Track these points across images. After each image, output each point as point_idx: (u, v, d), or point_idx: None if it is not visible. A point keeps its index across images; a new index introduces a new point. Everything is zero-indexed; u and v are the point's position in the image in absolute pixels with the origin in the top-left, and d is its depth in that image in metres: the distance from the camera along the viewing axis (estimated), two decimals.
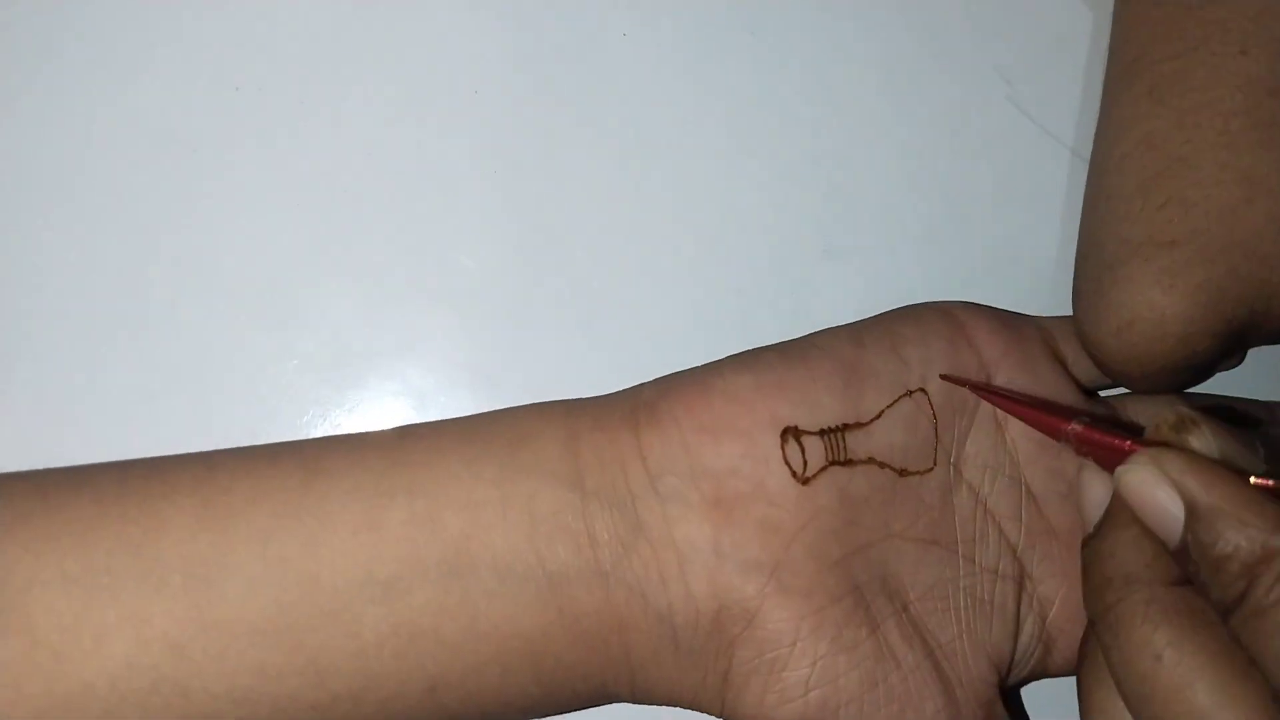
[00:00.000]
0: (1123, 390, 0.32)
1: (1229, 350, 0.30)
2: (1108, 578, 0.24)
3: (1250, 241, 0.28)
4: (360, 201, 0.31)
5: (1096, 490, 0.26)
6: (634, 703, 0.28)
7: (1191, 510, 0.23)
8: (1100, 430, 0.26)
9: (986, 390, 0.29)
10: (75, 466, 0.27)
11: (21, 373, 0.30)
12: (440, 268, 0.31)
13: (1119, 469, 0.24)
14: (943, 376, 0.28)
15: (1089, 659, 0.26)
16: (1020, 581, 0.29)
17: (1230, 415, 0.29)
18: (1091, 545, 0.25)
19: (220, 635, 0.25)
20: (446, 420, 0.28)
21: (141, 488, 0.26)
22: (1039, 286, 0.33)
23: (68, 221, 0.30)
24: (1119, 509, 0.25)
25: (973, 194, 0.33)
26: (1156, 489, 0.23)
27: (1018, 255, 0.33)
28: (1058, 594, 0.29)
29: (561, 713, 0.28)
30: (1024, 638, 0.29)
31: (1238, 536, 0.22)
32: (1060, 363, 0.30)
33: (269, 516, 0.25)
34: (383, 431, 0.28)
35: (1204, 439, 0.24)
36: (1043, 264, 0.33)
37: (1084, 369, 0.31)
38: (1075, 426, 0.26)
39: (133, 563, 0.25)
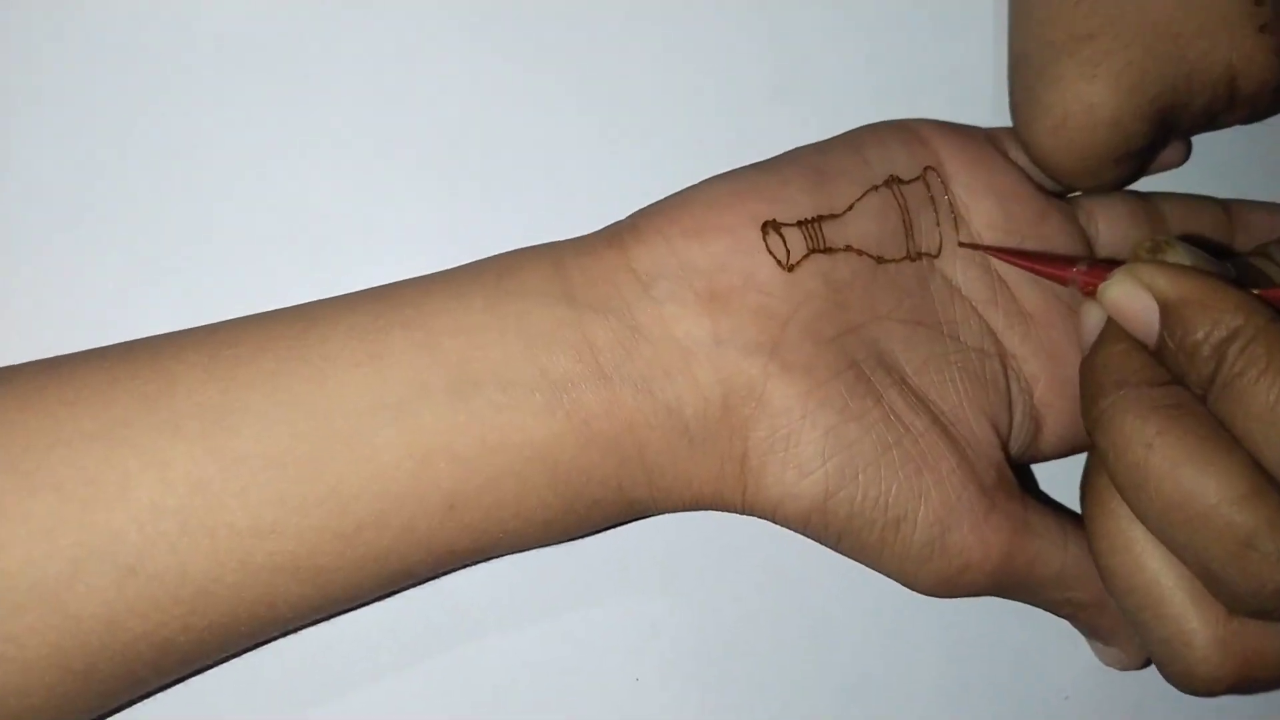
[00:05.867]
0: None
1: (1161, 135, 0.31)
2: (1100, 385, 0.26)
3: (1162, 23, 0.30)
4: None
5: (1093, 318, 0.28)
6: (656, 511, 0.28)
7: (1164, 307, 0.26)
8: (1099, 266, 0.28)
9: (1000, 251, 0.30)
10: (76, 352, 0.27)
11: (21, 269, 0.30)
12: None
13: (1101, 286, 0.27)
14: (961, 244, 0.30)
15: (1089, 490, 0.28)
16: (1004, 360, 0.30)
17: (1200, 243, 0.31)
18: (1085, 362, 0.27)
19: (240, 471, 0.25)
20: (429, 274, 0.29)
21: (149, 352, 0.26)
22: (980, 112, 0.35)
23: (74, 123, 0.31)
24: (1109, 329, 0.27)
25: (906, 26, 0.35)
26: (1133, 293, 0.26)
27: (956, 81, 0.35)
28: (1041, 372, 0.31)
29: (585, 531, 0.28)
30: (1017, 415, 0.30)
31: (1204, 320, 0.25)
32: (1012, 162, 0.32)
33: (274, 361, 0.26)
34: (371, 288, 0.28)
35: (1176, 253, 0.27)
36: (982, 86, 0.35)
37: (1033, 176, 0.32)
38: (1080, 269, 0.29)
39: (148, 415, 0.25)
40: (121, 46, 0.31)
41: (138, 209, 0.31)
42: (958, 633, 0.35)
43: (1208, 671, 0.26)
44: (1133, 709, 0.37)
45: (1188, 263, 0.27)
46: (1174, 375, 0.26)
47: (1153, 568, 0.26)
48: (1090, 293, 0.28)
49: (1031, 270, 0.30)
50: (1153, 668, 0.36)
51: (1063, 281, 0.29)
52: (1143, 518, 0.25)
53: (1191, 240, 0.29)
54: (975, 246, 0.30)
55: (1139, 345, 0.27)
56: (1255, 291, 0.26)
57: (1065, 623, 0.33)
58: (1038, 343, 0.31)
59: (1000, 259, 0.31)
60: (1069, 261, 0.29)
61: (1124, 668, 0.32)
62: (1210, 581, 0.25)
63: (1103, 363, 0.27)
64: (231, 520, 0.25)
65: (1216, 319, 0.25)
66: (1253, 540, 0.24)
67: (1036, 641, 0.35)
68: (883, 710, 0.34)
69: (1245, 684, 0.26)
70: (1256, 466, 0.24)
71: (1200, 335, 0.25)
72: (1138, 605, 0.27)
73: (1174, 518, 0.25)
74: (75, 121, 0.30)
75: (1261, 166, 0.36)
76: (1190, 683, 0.26)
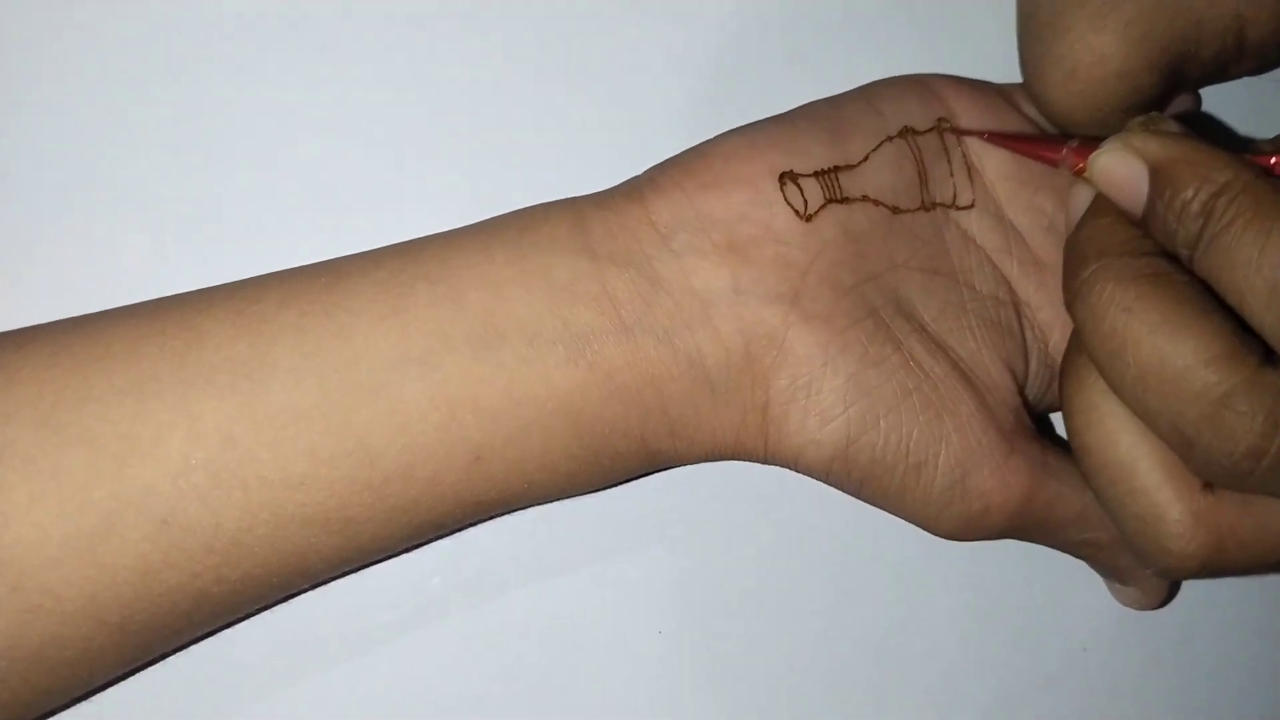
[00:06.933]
0: None
1: (1170, 85, 0.32)
2: (1083, 256, 0.26)
3: None
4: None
5: (1081, 196, 0.28)
6: (679, 462, 0.29)
7: (1153, 169, 0.26)
8: (1089, 144, 0.28)
9: (993, 135, 0.31)
10: (103, 310, 0.28)
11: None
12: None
13: (1092, 155, 0.27)
14: (951, 130, 0.31)
15: (1067, 369, 0.28)
16: (1019, 308, 0.31)
17: None
18: (1069, 238, 0.28)
19: (270, 424, 0.25)
20: (452, 229, 0.29)
21: (175, 309, 0.27)
22: (992, 70, 0.35)
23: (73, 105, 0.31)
24: (1096, 203, 0.27)
25: None
26: (1124, 158, 0.26)
27: (967, 39, 0.35)
28: (1056, 320, 0.31)
29: (609, 482, 0.29)
30: (1033, 362, 0.31)
31: (1194, 177, 0.25)
32: (1024, 115, 0.32)
33: (299, 315, 0.26)
34: (394, 244, 0.29)
35: (1169, 125, 0.27)
36: (992, 45, 0.35)
37: (1044, 129, 0.33)
38: (1071, 145, 0.29)
39: (178, 370, 0.25)
40: (156, 21, 0.31)
41: (163, 175, 0.31)
42: (978, 587, 0.35)
43: (1180, 547, 0.26)
44: (1149, 662, 0.37)
45: (1178, 131, 0.27)
46: (1160, 244, 0.26)
47: (1127, 441, 0.26)
48: (1080, 171, 0.28)
49: (1022, 152, 0.30)
50: (1171, 621, 0.36)
51: (1053, 162, 0.29)
52: (1118, 386, 0.25)
53: None
54: (965, 132, 0.31)
55: (1124, 220, 0.27)
56: (1245, 156, 0.26)
57: (1083, 577, 0.33)
58: (1052, 291, 0.31)
59: (991, 143, 0.31)
60: (1059, 142, 0.30)
61: (1141, 607, 0.32)
62: (1185, 448, 0.25)
63: (1087, 235, 0.27)
64: (262, 473, 0.25)
65: (1206, 175, 0.25)
66: (1228, 400, 0.24)
67: (1055, 595, 0.36)
68: (903, 662, 0.35)
69: (1219, 563, 0.26)
70: (1235, 329, 0.24)
71: (1190, 193, 0.25)
72: (1111, 481, 0.26)
73: (1149, 382, 0.24)
74: (105, 92, 0.31)
75: (1270, 119, 0.37)
76: (1164, 559, 0.26)
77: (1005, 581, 0.35)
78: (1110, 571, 0.32)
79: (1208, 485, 0.26)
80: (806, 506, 0.33)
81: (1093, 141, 0.28)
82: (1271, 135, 0.36)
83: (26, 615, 0.24)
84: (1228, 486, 0.25)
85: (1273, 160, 0.27)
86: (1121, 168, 0.26)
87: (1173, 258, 0.26)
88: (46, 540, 0.24)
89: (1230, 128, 0.36)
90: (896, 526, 0.30)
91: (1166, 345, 0.24)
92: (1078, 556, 0.31)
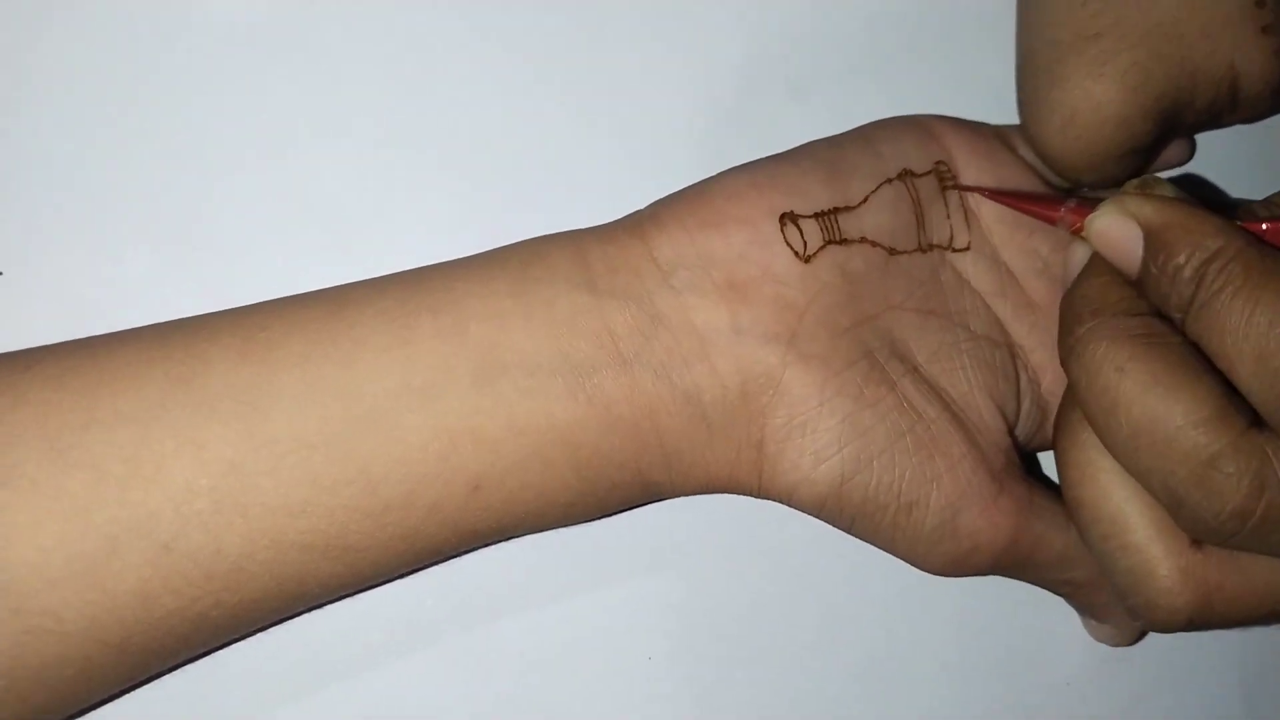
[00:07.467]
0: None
1: (1164, 132, 0.32)
2: (1079, 314, 0.27)
3: (1167, 24, 0.30)
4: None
5: (1078, 254, 0.29)
6: (673, 494, 0.29)
7: (1148, 233, 0.26)
8: (1087, 204, 0.29)
9: (993, 192, 0.31)
10: (109, 333, 0.28)
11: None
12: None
13: (1088, 217, 0.28)
14: (952, 186, 0.31)
15: (1062, 423, 0.28)
16: (1012, 350, 0.31)
17: None
18: (1065, 295, 0.28)
19: (272, 451, 0.25)
20: (455, 259, 0.29)
21: (181, 334, 0.27)
22: (989, 110, 0.36)
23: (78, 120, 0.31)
24: (1092, 263, 0.28)
25: (918, 25, 0.36)
26: (1119, 222, 0.27)
27: (966, 80, 0.36)
28: (1049, 362, 0.31)
29: (604, 512, 0.29)
30: (1025, 403, 0.31)
31: (1187, 244, 0.26)
32: (1021, 158, 0.33)
33: (304, 344, 0.27)
34: (398, 272, 0.29)
35: (1164, 188, 0.28)
36: (991, 85, 0.36)
37: (1040, 172, 0.33)
38: (1069, 204, 0.30)
39: (183, 396, 0.26)
40: (157, 34, 0.31)
41: (168, 196, 0.31)
42: (963, 621, 0.36)
43: (1169, 601, 0.26)
44: (1131, 698, 0.37)
45: (1172, 194, 0.28)
46: (1153, 306, 0.27)
47: (1119, 497, 0.27)
48: (1077, 230, 0.29)
49: (1021, 210, 0.31)
50: (1153, 658, 0.37)
51: (1051, 221, 0.30)
52: (1111, 444, 0.26)
53: None
54: (966, 188, 0.31)
55: (1119, 279, 0.27)
56: (1238, 223, 0.27)
57: (1066, 613, 0.34)
58: (1045, 333, 0.31)
59: (992, 199, 0.31)
60: (1057, 201, 0.30)
61: (1116, 644, 0.33)
62: (1174, 506, 0.26)
63: (1083, 294, 0.28)
64: (264, 500, 0.25)
65: (1198, 242, 0.26)
66: (1216, 461, 0.24)
67: (1039, 630, 0.36)
68: (888, 694, 0.35)
69: (1205, 617, 0.26)
70: (1225, 392, 0.25)
71: (1183, 258, 0.26)
72: (1103, 535, 0.27)
73: (1141, 442, 0.25)
74: (112, 109, 0.31)
75: (1263, 165, 0.37)
76: (1152, 613, 0.27)
77: (990, 616, 0.36)
78: (1087, 608, 0.32)
79: (1196, 541, 0.26)
80: (796, 537, 0.33)
81: (1090, 202, 0.29)
82: (1260, 180, 0.37)
83: (27, 636, 0.24)
84: (1215, 544, 0.26)
85: (1264, 226, 0.27)
86: (1117, 230, 0.27)
87: (1166, 318, 0.26)
88: (48, 562, 0.24)
89: (1215, 186, 0.37)
90: (884, 560, 0.30)
91: (1158, 406, 0.25)
92: (1056, 593, 0.32)
